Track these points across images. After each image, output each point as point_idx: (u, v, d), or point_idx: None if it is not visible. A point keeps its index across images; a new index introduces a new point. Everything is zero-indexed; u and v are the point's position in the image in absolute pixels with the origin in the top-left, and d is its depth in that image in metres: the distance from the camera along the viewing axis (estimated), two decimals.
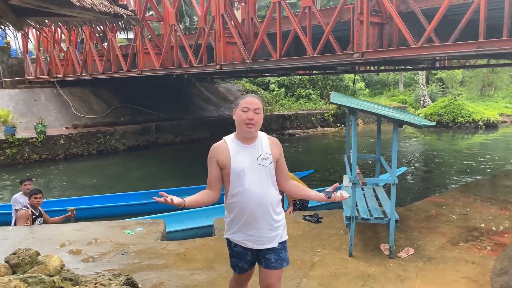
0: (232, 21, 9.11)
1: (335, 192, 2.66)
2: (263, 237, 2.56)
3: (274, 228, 2.59)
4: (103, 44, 15.09)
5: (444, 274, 4.05)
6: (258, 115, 2.46)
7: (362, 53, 6.74)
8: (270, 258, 2.60)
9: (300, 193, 2.77)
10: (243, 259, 2.65)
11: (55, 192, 9.90)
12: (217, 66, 9.37)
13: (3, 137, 12.85)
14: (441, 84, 30.18)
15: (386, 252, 4.52)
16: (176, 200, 2.41)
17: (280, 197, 2.65)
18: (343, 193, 2.67)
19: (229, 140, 2.56)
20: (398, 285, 3.82)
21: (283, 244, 2.65)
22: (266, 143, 2.56)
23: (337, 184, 2.78)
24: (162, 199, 2.34)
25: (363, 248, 4.71)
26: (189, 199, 2.48)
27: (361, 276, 4.03)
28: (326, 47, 8.07)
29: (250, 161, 2.49)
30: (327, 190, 2.68)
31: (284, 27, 8.41)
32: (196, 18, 22.04)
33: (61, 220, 6.29)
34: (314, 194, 2.75)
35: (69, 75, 16.20)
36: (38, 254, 3.99)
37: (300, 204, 6.43)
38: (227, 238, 2.66)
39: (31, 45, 20.47)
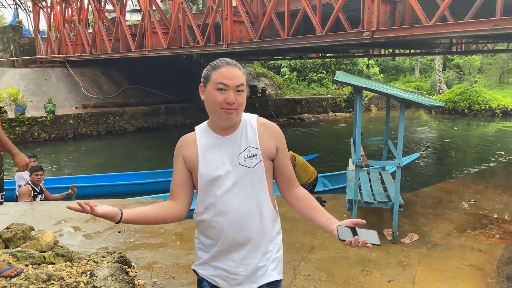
0: None
1: (355, 236, 1.52)
2: (240, 274, 1.67)
3: (261, 260, 1.68)
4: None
5: (448, 261, 3.88)
6: (242, 94, 1.60)
7: (372, 32, 6.48)
8: None
9: (309, 214, 1.71)
10: None
11: (62, 171, 9.93)
12: (224, 46, 9.17)
13: (13, 116, 12.91)
14: (458, 70, 29.43)
15: (389, 238, 4.36)
16: (102, 210, 1.50)
17: (277, 213, 1.75)
18: (367, 239, 1.51)
19: (199, 130, 1.73)
20: (399, 271, 3.67)
21: (272, 286, 1.72)
22: (253, 131, 1.67)
23: (359, 221, 1.57)
24: (76, 208, 1.47)
25: None
26: (131, 212, 1.57)
27: (361, 261, 3.89)
28: (336, 26, 7.80)
29: (227, 160, 1.63)
30: (340, 224, 1.59)
31: (293, 6, 8.15)
32: None
33: (61, 197, 6.27)
34: (324, 221, 1.65)
35: (79, 54, 16.15)
36: (32, 229, 3.94)
37: (306, 190, 6.29)
38: (193, 270, 1.78)
39: (43, 25, 20.45)
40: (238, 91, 1.59)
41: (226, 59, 1.63)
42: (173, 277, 3.56)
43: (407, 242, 4.29)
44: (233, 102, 1.58)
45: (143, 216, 1.62)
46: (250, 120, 1.72)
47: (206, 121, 1.74)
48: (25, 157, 3.08)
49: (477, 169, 9.72)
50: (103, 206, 1.52)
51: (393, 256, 4.00)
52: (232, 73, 1.60)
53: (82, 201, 1.46)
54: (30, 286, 2.72)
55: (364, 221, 1.57)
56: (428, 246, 4.23)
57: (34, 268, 3.13)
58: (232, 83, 1.58)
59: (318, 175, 6.58)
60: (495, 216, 5.14)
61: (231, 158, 1.64)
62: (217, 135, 1.68)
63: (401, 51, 15.59)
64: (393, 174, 5.65)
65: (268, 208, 1.69)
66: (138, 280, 3.34)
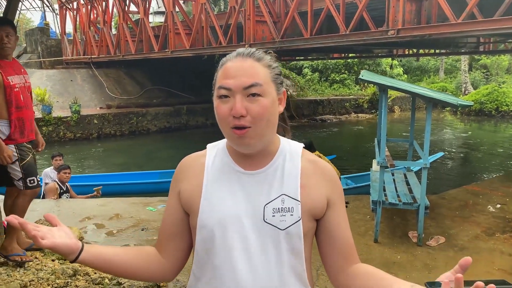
0: None
1: None
2: None
3: None
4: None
5: (477, 265, 3.77)
6: (259, 100, 0.99)
7: (397, 30, 6.36)
8: None
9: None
10: None
11: (86, 169, 10.12)
12: (246, 46, 9.18)
13: (40, 115, 13.23)
14: (485, 71, 28.69)
15: (414, 240, 4.27)
16: (50, 242, 0.94)
17: None
18: None
19: (213, 151, 1.15)
20: (425, 274, 3.58)
21: None
22: (294, 171, 1.06)
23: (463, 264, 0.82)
24: (15, 223, 0.92)
25: (390, 234, 4.47)
26: (95, 252, 1.03)
27: (386, 263, 3.81)
28: (360, 26, 7.70)
29: (246, 209, 1.03)
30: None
31: (316, 5, 8.09)
32: None
33: (86, 198, 6.39)
34: None
35: (103, 55, 16.46)
36: None
37: None
38: None
39: (69, 27, 20.93)
40: (251, 95, 0.99)
41: (241, 49, 1.07)
42: None
43: (433, 245, 4.19)
44: (242, 115, 0.97)
45: (110, 261, 1.04)
46: (292, 152, 1.09)
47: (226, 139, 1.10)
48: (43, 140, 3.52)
49: (505, 172, 9.44)
50: (55, 235, 0.96)
51: (418, 258, 3.91)
52: (239, 68, 1.00)
53: (31, 225, 0.93)
54: (57, 280, 2.76)
55: (470, 259, 0.83)
56: (455, 249, 4.12)
57: (61, 263, 3.18)
58: (236, 83, 0.99)
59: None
60: None
61: (252, 208, 1.03)
62: (237, 165, 1.07)
63: (426, 51, 15.28)
64: (417, 175, 5.55)
65: None
66: None
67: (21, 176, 3.01)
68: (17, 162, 2.99)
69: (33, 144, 3.28)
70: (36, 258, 3.15)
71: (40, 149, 3.49)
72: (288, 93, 21.38)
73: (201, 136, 15.61)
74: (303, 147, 1.12)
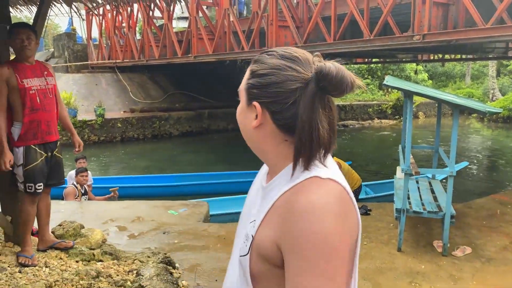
0: (285, 4, 8.85)
1: None
2: None
3: None
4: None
5: (505, 276, 3.65)
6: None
7: (423, 35, 6.25)
8: None
9: None
10: None
11: (110, 171, 10.29)
12: None
13: None
14: None
15: (439, 250, 4.16)
16: None
17: None
18: None
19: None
20: (450, 285, 3.48)
21: None
22: (270, 200, 0.90)
23: None
24: None
25: (414, 243, 4.37)
26: None
27: (410, 272, 3.73)
28: (384, 31, 7.60)
29: (246, 222, 0.97)
30: None
31: (339, 10, 8.03)
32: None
33: (104, 199, 6.48)
34: None
35: (128, 60, 16.75)
36: (82, 227, 4.09)
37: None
38: None
39: (95, 32, 21.40)
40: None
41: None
42: (216, 280, 3.56)
43: (459, 255, 4.07)
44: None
45: None
46: (288, 179, 0.88)
47: None
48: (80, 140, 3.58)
49: None
50: None
51: (443, 269, 3.81)
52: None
53: None
54: (81, 281, 2.80)
55: None
56: (482, 260, 3.99)
57: (84, 265, 3.23)
58: None
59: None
60: None
61: (243, 226, 0.99)
62: (264, 180, 1.00)
63: (452, 56, 14.97)
64: (442, 183, 5.41)
65: None
66: (182, 281, 3.37)
67: (22, 180, 3.07)
68: (21, 166, 3.05)
69: (57, 148, 3.29)
70: (60, 259, 3.21)
71: (78, 149, 3.54)
72: None
73: (222, 140, 15.69)
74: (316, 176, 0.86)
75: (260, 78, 0.89)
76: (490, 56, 13.16)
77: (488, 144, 15.67)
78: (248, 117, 0.92)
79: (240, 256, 0.90)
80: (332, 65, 0.84)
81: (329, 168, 0.88)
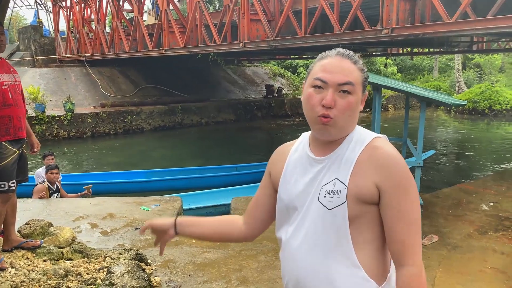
0: None
1: None
2: None
3: None
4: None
5: (470, 263, 3.79)
6: (348, 97, 1.15)
7: (391, 29, 6.37)
8: None
9: None
10: None
11: (80, 168, 10.06)
12: (241, 44, 9.16)
13: (33, 114, 13.14)
14: (478, 70, 28.85)
15: None
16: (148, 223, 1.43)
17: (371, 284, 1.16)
18: None
19: (300, 140, 1.35)
20: None
21: None
22: (351, 157, 1.17)
23: None
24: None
25: None
26: (186, 220, 1.44)
27: None
28: (354, 25, 7.70)
29: (310, 190, 1.21)
30: None
31: (310, 4, 8.09)
32: None
33: (77, 197, 6.34)
34: None
35: (97, 54, 16.37)
36: (50, 225, 3.99)
37: None
38: None
39: (62, 25, 20.80)
40: (343, 92, 1.14)
41: (340, 49, 1.21)
42: (189, 275, 3.55)
43: (427, 244, 4.20)
44: (330, 106, 1.13)
45: (202, 233, 1.43)
46: (359, 140, 1.19)
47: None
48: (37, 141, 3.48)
49: (498, 170, 9.50)
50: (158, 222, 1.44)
51: None
52: (338, 65, 1.16)
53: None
54: (48, 281, 2.74)
55: None
56: (448, 247, 4.13)
57: (53, 264, 3.16)
58: (333, 78, 1.14)
59: None
60: None
61: (314, 189, 1.20)
62: (311, 153, 1.24)
63: (420, 50, 15.33)
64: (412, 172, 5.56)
65: (349, 279, 1.14)
66: (155, 278, 3.34)
67: None
68: None
69: (25, 144, 3.23)
70: (27, 258, 3.12)
71: (35, 150, 3.45)
72: (283, 92, 21.33)
73: (195, 134, 15.59)
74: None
75: (365, 74, 1.21)
76: (456, 49, 13.55)
77: (455, 136, 16.18)
78: (359, 104, 1.20)
79: (332, 208, 1.14)
80: None
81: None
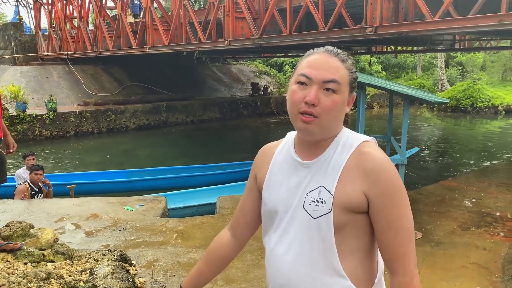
0: None
1: None
2: None
3: None
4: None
5: (453, 259, 3.83)
6: (332, 96, 1.09)
7: (375, 28, 6.41)
8: None
9: None
10: None
11: (63, 168, 9.90)
12: (226, 42, 9.12)
13: (14, 113, 12.88)
14: (460, 68, 29.32)
15: None
16: None
17: None
18: None
19: (285, 141, 1.29)
20: None
21: None
22: (339, 162, 1.12)
23: None
24: None
25: None
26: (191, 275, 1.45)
27: None
28: (339, 23, 7.74)
29: (294, 195, 1.16)
30: None
31: (295, 2, 8.10)
32: None
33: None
34: None
35: (80, 51, 16.12)
36: (31, 227, 3.90)
37: None
38: None
39: (44, 22, 20.42)
40: (327, 90, 1.09)
41: (329, 46, 1.17)
42: (174, 275, 3.52)
43: None
44: (313, 103, 1.07)
45: (205, 278, 1.43)
46: (348, 143, 1.13)
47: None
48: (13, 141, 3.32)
49: (480, 167, 9.66)
50: None
51: None
52: (324, 62, 1.10)
53: None
54: (29, 284, 2.68)
55: None
56: (432, 244, 4.18)
57: (33, 266, 3.09)
58: (317, 75, 1.09)
59: None
60: (499, 214, 5.09)
61: (299, 195, 1.15)
62: (296, 155, 1.18)
63: (404, 48, 15.50)
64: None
65: (332, 284, 1.11)
66: (139, 279, 3.30)
67: None
68: None
69: (1, 144, 3.16)
70: (7, 261, 3.05)
71: (12, 150, 3.37)
72: (269, 90, 21.31)
73: (180, 133, 15.49)
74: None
75: (354, 74, 1.16)
76: (439, 48, 13.74)
77: (438, 133, 16.41)
78: (344, 105, 1.14)
79: (317, 217, 1.10)
80: None
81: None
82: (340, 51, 1.15)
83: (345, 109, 1.15)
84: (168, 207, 5.64)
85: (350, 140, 1.13)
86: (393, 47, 14.63)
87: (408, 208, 1.11)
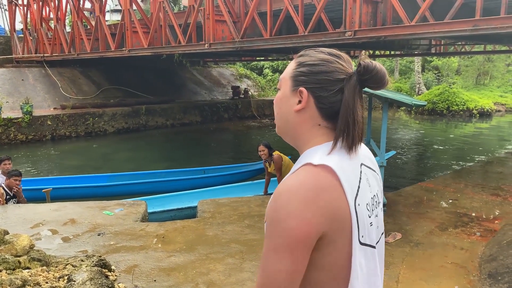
0: None
1: None
2: None
3: None
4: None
5: (431, 259, 3.90)
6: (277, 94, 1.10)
7: (354, 32, 6.50)
8: None
9: None
10: None
11: (40, 173, 9.66)
12: (206, 45, 9.08)
13: None
14: (436, 72, 29.96)
15: None
16: None
17: None
18: None
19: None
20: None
21: None
22: None
23: None
24: None
25: None
26: None
27: None
28: (318, 27, 7.81)
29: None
30: None
31: (275, 6, 8.13)
32: None
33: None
34: None
35: (57, 54, 15.81)
36: (6, 233, 3.80)
37: None
38: None
39: (19, 24, 19.96)
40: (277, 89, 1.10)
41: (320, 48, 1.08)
42: (154, 280, 3.47)
43: (391, 241, 4.29)
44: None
45: None
46: (295, 166, 1.00)
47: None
48: None
49: (456, 169, 9.87)
50: None
51: None
52: None
53: None
54: None
55: None
56: (411, 244, 4.24)
57: (8, 274, 3.00)
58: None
59: None
60: (475, 214, 5.21)
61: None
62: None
63: (382, 52, 15.75)
64: None
65: None
66: (119, 284, 3.25)
67: None
68: None
69: None
70: None
71: None
72: (250, 93, 21.31)
73: (160, 136, 15.33)
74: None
75: (310, 67, 1.01)
76: (415, 52, 14.01)
77: (416, 135, 16.71)
78: (291, 102, 1.02)
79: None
80: (377, 63, 1.01)
81: (343, 155, 0.98)
82: (308, 50, 1.06)
83: (290, 107, 1.02)
84: (148, 211, 5.57)
85: (298, 162, 0.99)
86: (371, 51, 14.86)
87: (274, 251, 0.88)
